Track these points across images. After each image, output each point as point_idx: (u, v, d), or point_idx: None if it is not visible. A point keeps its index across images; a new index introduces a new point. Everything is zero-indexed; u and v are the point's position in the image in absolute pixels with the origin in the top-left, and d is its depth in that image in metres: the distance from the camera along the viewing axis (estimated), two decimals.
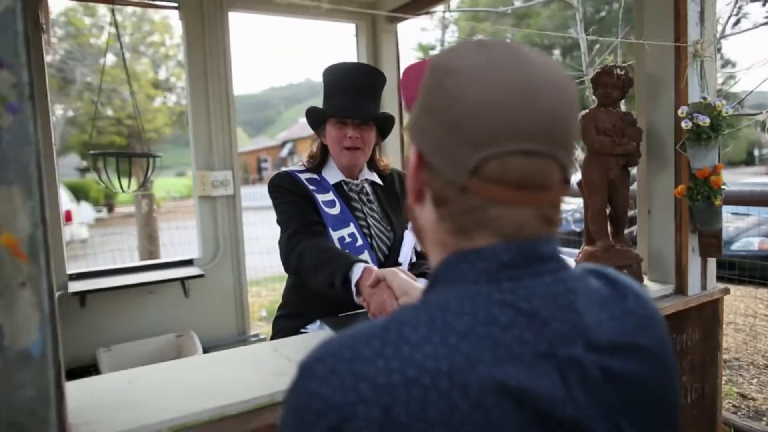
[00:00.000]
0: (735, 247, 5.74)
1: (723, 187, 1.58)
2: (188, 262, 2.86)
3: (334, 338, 0.51)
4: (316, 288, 1.43)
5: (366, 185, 1.71)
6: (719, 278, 1.85)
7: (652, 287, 1.74)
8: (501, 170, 0.50)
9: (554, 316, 0.50)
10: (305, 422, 0.47)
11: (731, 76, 3.63)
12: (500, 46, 0.53)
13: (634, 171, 1.87)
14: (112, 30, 2.23)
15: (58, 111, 15.50)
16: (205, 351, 2.54)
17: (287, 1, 2.04)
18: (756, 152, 23.41)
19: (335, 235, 1.60)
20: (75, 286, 2.52)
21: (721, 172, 1.61)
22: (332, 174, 1.65)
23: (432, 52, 24.00)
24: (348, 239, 1.58)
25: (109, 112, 16.47)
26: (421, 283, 1.24)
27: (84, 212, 12.92)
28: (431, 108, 0.53)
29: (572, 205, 7.66)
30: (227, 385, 1.07)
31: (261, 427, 0.96)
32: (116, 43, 2.35)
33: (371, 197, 1.71)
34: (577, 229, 7.27)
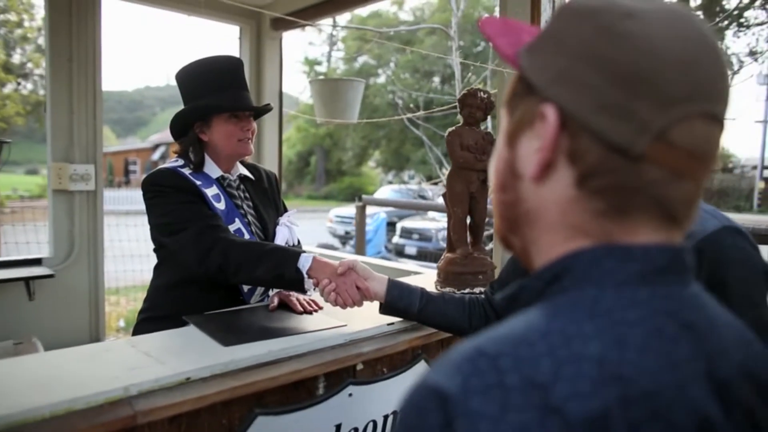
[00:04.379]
0: None
1: None
2: (35, 261, 2.59)
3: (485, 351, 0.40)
4: (249, 281, 1.55)
5: (239, 181, 1.72)
6: None
7: None
8: (691, 135, 0.43)
9: (710, 332, 0.44)
10: None
11: None
12: None
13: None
14: None
15: None
16: None
17: None
18: None
19: None
20: None
21: None
22: (211, 170, 1.65)
23: (318, 68, 24.15)
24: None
25: None
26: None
27: None
28: (596, 57, 0.44)
29: (440, 224, 8.11)
30: (75, 380, 1.00)
31: (114, 420, 0.92)
32: None
33: (246, 194, 1.73)
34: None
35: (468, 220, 1.95)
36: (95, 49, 2.63)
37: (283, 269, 1.40)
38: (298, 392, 1.21)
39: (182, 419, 1.02)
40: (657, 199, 0.44)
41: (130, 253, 5.66)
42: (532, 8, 1.85)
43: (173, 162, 1.64)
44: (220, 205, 1.61)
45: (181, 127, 1.65)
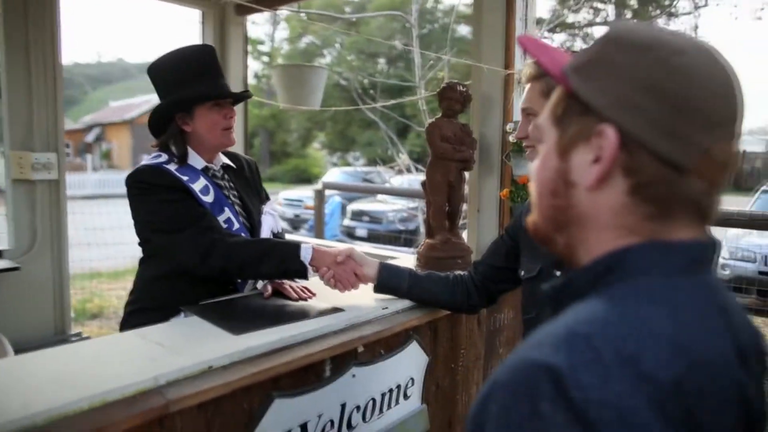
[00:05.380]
0: None
1: None
2: None
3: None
4: (253, 277, 1.63)
5: (223, 170, 1.74)
6: None
7: None
8: (726, 152, 0.52)
9: (731, 311, 0.54)
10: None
11: None
12: (677, 32, 0.56)
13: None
14: None
15: None
16: (17, 354, 2.25)
17: None
18: None
19: None
20: None
21: None
22: (195, 162, 1.65)
23: (260, 47, 23.52)
24: (225, 225, 1.60)
25: None
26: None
27: None
28: (654, 86, 0.51)
29: (397, 206, 8.25)
30: (101, 373, 1.03)
31: (149, 410, 0.95)
32: None
33: (231, 183, 1.74)
34: (401, 227, 7.86)
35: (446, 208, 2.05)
36: (53, 31, 2.52)
37: (288, 264, 1.49)
38: (307, 375, 1.28)
39: (208, 406, 1.07)
40: (697, 204, 0.54)
41: (76, 241, 5.45)
42: (507, 5, 1.95)
43: (155, 157, 1.62)
44: (208, 198, 1.62)
45: (161, 120, 1.64)
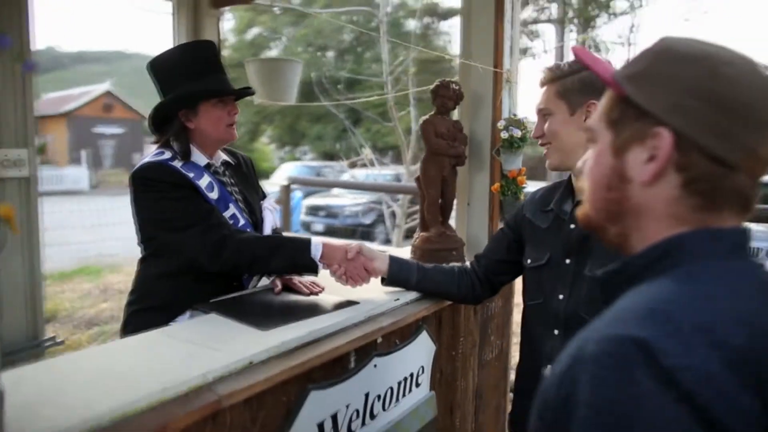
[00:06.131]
0: None
1: (524, 186, 2.03)
2: None
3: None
4: (263, 272, 1.64)
5: (224, 167, 1.74)
6: None
7: None
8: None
9: None
10: None
11: None
12: (722, 45, 0.63)
13: None
14: None
15: None
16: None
17: None
18: None
19: None
20: None
21: (524, 174, 2.07)
22: (198, 159, 1.64)
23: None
24: (230, 221, 1.60)
25: None
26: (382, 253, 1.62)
27: None
28: (705, 93, 0.59)
29: (362, 199, 8.27)
30: (147, 372, 1.03)
31: (204, 406, 0.97)
32: None
33: (232, 179, 1.75)
34: (367, 222, 7.90)
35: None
36: (21, 18, 2.39)
37: (298, 259, 1.52)
38: (335, 367, 1.31)
39: (253, 400, 1.09)
40: (742, 196, 0.61)
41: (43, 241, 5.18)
42: (496, 7, 2.03)
43: (158, 154, 1.60)
44: (213, 194, 1.62)
45: (164, 117, 1.62)
